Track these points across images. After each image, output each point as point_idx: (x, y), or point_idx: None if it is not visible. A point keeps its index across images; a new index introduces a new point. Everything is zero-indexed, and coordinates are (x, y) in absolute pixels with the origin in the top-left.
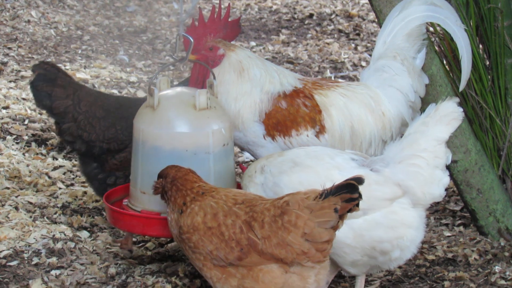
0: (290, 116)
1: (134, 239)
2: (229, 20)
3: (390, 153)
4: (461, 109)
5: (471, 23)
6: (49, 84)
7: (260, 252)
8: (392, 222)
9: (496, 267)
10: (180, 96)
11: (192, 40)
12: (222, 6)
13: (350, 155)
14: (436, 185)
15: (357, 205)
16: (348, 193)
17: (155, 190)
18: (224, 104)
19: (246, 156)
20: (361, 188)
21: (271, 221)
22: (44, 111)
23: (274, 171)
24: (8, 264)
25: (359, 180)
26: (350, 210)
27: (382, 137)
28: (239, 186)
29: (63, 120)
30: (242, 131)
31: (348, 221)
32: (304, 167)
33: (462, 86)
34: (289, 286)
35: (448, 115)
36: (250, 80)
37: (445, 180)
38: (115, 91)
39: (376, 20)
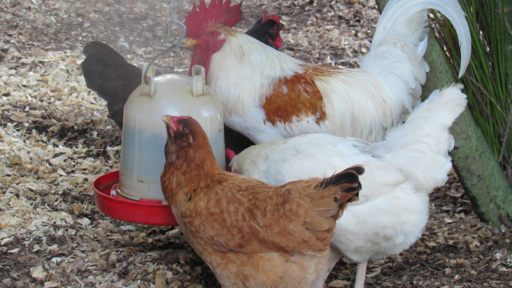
0: (291, 102)
1: (130, 227)
2: (230, 6)
3: (393, 138)
4: (465, 96)
5: (471, 10)
6: (100, 64)
7: (261, 240)
8: (395, 208)
9: (497, 253)
10: (175, 83)
11: (184, 26)
12: None
13: (352, 141)
14: (438, 170)
15: (357, 194)
16: (348, 183)
17: (173, 130)
18: (224, 89)
19: None
20: (363, 174)
21: (273, 209)
22: (94, 92)
23: (276, 158)
24: (9, 251)
25: (359, 170)
26: (350, 200)
27: (383, 124)
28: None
29: (114, 101)
30: (242, 116)
31: (350, 207)
32: (306, 155)
33: (461, 72)
34: (289, 275)
35: (452, 101)
36: (250, 65)
37: (448, 165)
38: None
39: (376, 6)
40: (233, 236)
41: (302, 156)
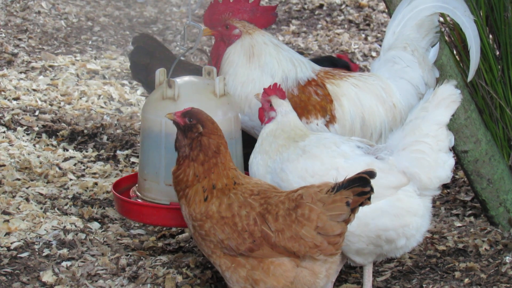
0: (301, 104)
1: (141, 230)
2: (262, 5)
3: (393, 141)
4: (459, 91)
5: (481, 13)
6: (147, 56)
7: (272, 245)
8: (397, 210)
9: (507, 257)
10: (196, 85)
11: (201, 29)
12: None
13: (356, 142)
14: (441, 168)
15: (369, 198)
16: (360, 187)
17: (180, 124)
18: (231, 86)
19: None
20: (375, 178)
21: (285, 214)
22: (139, 84)
23: (284, 157)
24: (19, 255)
25: (371, 174)
26: (362, 204)
27: (393, 129)
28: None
29: None
30: (248, 115)
31: None
32: (311, 155)
33: (470, 76)
34: (300, 280)
35: (446, 98)
36: (260, 67)
37: (450, 161)
38: (125, 82)
39: (386, 10)
40: (244, 240)
41: (307, 156)
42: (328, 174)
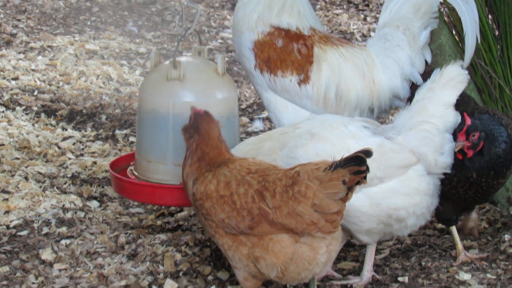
0: (280, 56)
1: (139, 209)
2: None
3: (400, 121)
4: (466, 72)
5: None
6: None
7: (271, 222)
8: (408, 189)
9: (506, 235)
10: (198, 66)
11: (199, 9)
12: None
13: (361, 122)
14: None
15: (365, 177)
16: (356, 166)
17: (185, 132)
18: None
19: (256, 126)
20: (377, 156)
21: (282, 191)
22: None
23: (291, 145)
24: (18, 234)
25: (367, 153)
26: (358, 183)
27: (369, 105)
28: None
29: None
30: (238, 38)
31: (364, 189)
32: (320, 138)
33: (466, 63)
34: (299, 256)
35: (453, 78)
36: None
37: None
38: (124, 62)
39: None
40: (243, 218)
41: (316, 139)
42: (340, 156)
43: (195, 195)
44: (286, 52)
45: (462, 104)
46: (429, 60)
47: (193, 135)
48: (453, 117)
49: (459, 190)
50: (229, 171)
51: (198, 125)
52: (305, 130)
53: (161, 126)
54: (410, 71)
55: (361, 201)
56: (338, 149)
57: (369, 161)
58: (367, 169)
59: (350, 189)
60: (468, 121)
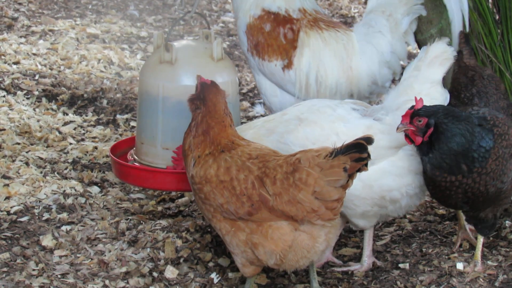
0: (268, 41)
1: (140, 194)
2: None
3: (387, 102)
4: (452, 48)
5: None
6: None
7: (270, 209)
8: (399, 170)
9: (507, 221)
10: (194, 49)
11: None
12: None
13: (350, 104)
14: None
15: (366, 164)
16: (357, 153)
17: (192, 104)
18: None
19: (257, 111)
20: (372, 144)
21: (283, 178)
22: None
23: (281, 130)
24: (18, 219)
25: (369, 140)
26: (359, 170)
27: (347, 91)
28: None
29: None
30: (236, 22)
31: None
32: (309, 122)
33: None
34: (298, 244)
35: (439, 55)
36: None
37: None
38: (125, 46)
39: None
40: (242, 204)
41: (305, 124)
42: (329, 140)
43: (194, 178)
44: (273, 36)
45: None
46: (413, 45)
47: (199, 106)
48: (440, 95)
49: (429, 189)
50: (230, 156)
51: (205, 96)
52: (293, 115)
53: (152, 108)
54: (390, 58)
55: (354, 184)
56: (327, 132)
57: None
58: (368, 156)
59: (350, 177)
60: (419, 105)
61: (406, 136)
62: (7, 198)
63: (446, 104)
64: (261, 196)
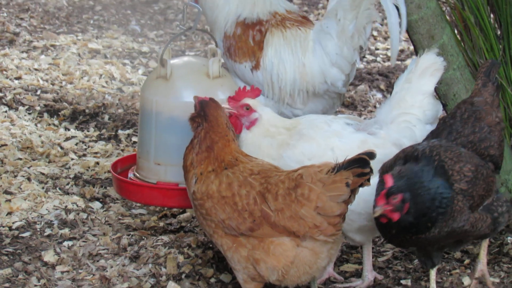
0: (238, 44)
1: (141, 210)
2: None
3: (381, 116)
4: (442, 58)
5: None
6: None
7: (272, 224)
8: None
9: (509, 237)
10: (191, 65)
11: (201, 9)
12: None
13: (344, 119)
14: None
15: (369, 180)
16: (359, 168)
17: (193, 122)
18: (204, 8)
19: None
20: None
21: (285, 193)
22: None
23: (279, 144)
24: (20, 235)
25: (371, 155)
26: (361, 185)
27: (304, 87)
28: None
29: None
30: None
31: None
32: (307, 138)
33: (392, 61)
34: (300, 260)
35: (429, 66)
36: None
37: None
38: (127, 61)
39: None
40: (244, 219)
41: (304, 139)
42: (325, 155)
43: (195, 194)
44: (243, 39)
45: None
46: (363, 45)
47: (200, 123)
48: (432, 106)
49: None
50: (232, 172)
51: (206, 112)
52: (297, 130)
53: (147, 123)
54: (336, 59)
55: None
56: (323, 148)
57: None
58: (371, 171)
59: (353, 192)
60: (388, 183)
61: (383, 216)
62: (9, 213)
63: (439, 115)
64: (263, 211)
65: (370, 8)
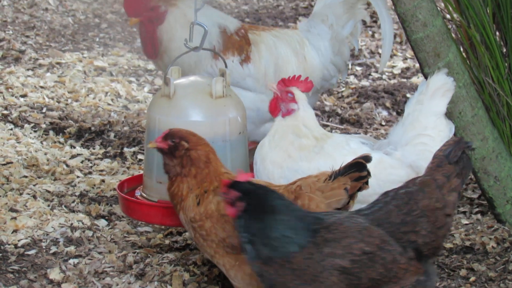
0: (222, 42)
1: (147, 228)
2: None
3: (394, 137)
4: (452, 79)
5: (488, 10)
6: None
7: None
8: None
9: None
10: (196, 85)
11: (206, 29)
12: None
13: (359, 139)
14: None
15: (367, 183)
16: (356, 172)
17: (165, 148)
18: (181, 58)
19: None
20: (376, 172)
21: None
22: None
23: (301, 156)
24: (26, 253)
25: (367, 158)
26: (360, 189)
27: None
28: (251, 167)
29: None
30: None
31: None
32: (324, 154)
33: (381, 67)
34: None
35: (440, 87)
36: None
37: None
38: (132, 79)
39: (393, 7)
40: None
41: (321, 154)
42: None
43: (194, 217)
44: (226, 36)
45: None
46: (356, 46)
47: (183, 147)
48: (445, 126)
49: None
50: None
51: (180, 135)
52: (322, 145)
53: (150, 140)
54: (332, 57)
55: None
56: (338, 166)
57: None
58: (369, 173)
59: (351, 197)
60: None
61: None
62: (15, 231)
63: (451, 135)
64: None
65: (360, 9)
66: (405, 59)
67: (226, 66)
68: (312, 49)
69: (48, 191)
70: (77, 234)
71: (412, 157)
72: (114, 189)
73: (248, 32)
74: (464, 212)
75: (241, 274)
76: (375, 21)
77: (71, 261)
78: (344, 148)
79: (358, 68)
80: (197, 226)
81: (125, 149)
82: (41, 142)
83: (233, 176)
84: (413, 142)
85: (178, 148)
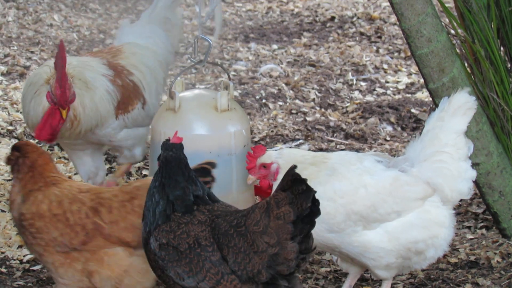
0: (126, 93)
1: None
2: None
3: (412, 153)
4: (474, 97)
5: (492, 26)
6: None
7: (106, 236)
8: (426, 222)
9: None
10: (201, 98)
11: (211, 42)
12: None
13: (374, 156)
14: (463, 178)
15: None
16: (201, 177)
17: (8, 162)
18: (84, 108)
19: None
20: (392, 189)
21: (119, 206)
22: None
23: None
24: (31, 268)
25: (212, 164)
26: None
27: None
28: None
29: None
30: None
31: (383, 224)
32: (338, 175)
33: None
34: (134, 267)
35: (462, 106)
36: (94, 88)
37: (471, 172)
38: None
39: (398, 23)
40: (76, 233)
41: (334, 177)
42: (358, 193)
43: (24, 215)
44: (128, 87)
45: None
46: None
47: (14, 156)
48: (464, 145)
49: None
50: (59, 190)
51: (16, 145)
52: (330, 164)
53: (156, 155)
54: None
55: (380, 236)
56: (355, 186)
57: (385, 196)
58: (213, 179)
59: None
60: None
61: None
62: (20, 246)
63: (470, 153)
64: (96, 224)
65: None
66: (410, 74)
67: (229, 79)
68: (154, 45)
69: None
70: None
71: (429, 173)
72: None
73: (117, 61)
74: (469, 227)
75: (72, 271)
76: (380, 36)
77: None
78: (357, 167)
79: (363, 84)
80: (27, 224)
81: None
82: None
83: (62, 178)
84: (431, 159)
85: (11, 157)
